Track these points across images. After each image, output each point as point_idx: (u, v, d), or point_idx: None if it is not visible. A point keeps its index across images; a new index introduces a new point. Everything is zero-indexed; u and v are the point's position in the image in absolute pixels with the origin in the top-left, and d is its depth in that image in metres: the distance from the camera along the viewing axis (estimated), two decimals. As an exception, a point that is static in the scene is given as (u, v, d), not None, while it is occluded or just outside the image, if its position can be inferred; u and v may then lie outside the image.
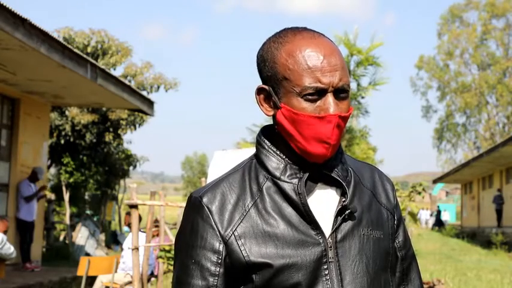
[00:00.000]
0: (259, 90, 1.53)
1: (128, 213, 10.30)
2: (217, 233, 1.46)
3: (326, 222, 1.47)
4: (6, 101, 11.88)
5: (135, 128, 19.75)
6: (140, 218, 8.34)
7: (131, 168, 21.17)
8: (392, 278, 1.59)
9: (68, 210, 18.02)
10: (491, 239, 23.71)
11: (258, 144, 1.56)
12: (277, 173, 1.49)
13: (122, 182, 22.41)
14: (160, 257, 7.73)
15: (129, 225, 9.96)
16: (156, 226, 9.15)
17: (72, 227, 16.59)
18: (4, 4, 7.71)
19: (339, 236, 1.47)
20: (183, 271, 1.49)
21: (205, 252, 1.46)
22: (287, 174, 1.49)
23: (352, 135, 10.53)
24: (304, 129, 1.45)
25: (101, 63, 17.59)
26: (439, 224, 39.77)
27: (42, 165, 12.90)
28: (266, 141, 1.54)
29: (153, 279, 9.25)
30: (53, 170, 20.29)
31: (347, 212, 1.48)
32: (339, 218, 1.48)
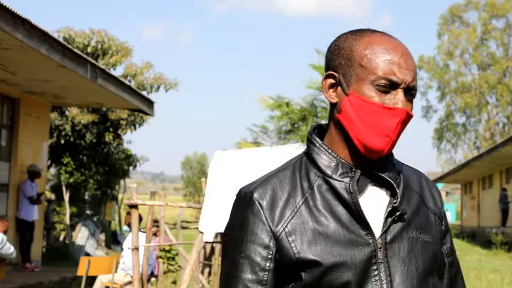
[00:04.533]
0: (327, 76, 1.53)
1: (129, 213, 10.30)
2: (268, 228, 1.46)
3: (376, 223, 1.47)
4: (6, 101, 11.88)
5: (135, 128, 19.76)
6: (141, 218, 8.35)
7: (131, 168, 21.18)
8: (440, 283, 1.59)
9: (68, 210, 18.02)
10: (491, 239, 23.71)
11: (309, 141, 1.56)
12: (329, 171, 1.49)
13: (122, 182, 22.42)
14: (160, 257, 7.73)
15: (129, 224, 9.96)
16: (156, 226, 9.16)
17: (72, 227, 16.58)
18: (4, 4, 7.71)
19: (389, 238, 1.47)
20: (233, 265, 1.48)
21: (255, 247, 1.46)
22: (339, 172, 1.48)
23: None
24: (368, 118, 1.45)
25: (101, 63, 17.59)
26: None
27: (42, 165, 12.90)
28: (317, 138, 1.54)
29: (153, 279, 9.25)
30: (53, 170, 20.29)
31: (397, 213, 1.48)
32: (389, 220, 1.47)
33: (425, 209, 1.58)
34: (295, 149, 6.28)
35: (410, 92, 1.47)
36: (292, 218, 1.46)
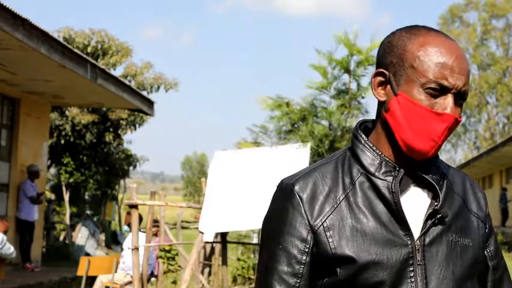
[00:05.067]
0: (377, 74, 1.51)
1: (129, 213, 10.30)
2: (307, 221, 1.46)
3: (415, 224, 1.46)
4: (6, 101, 11.88)
5: (135, 128, 19.76)
6: (141, 218, 8.35)
7: (131, 168, 21.17)
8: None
9: (68, 210, 18.01)
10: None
11: (355, 137, 1.54)
12: (372, 169, 1.48)
13: (122, 182, 22.42)
14: (160, 257, 7.74)
15: (129, 224, 9.96)
16: (156, 226, 9.16)
17: (72, 227, 16.58)
18: (4, 4, 7.71)
19: (427, 240, 1.46)
20: (270, 257, 1.48)
21: (293, 239, 1.46)
22: (382, 171, 1.47)
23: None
24: (415, 121, 1.43)
25: (101, 63, 17.59)
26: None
27: (42, 165, 12.90)
28: (363, 135, 1.53)
29: (153, 279, 9.25)
30: (53, 170, 20.29)
31: (438, 216, 1.47)
32: (429, 222, 1.46)
33: (467, 213, 1.56)
34: (295, 149, 6.29)
35: (461, 97, 1.45)
36: (331, 213, 1.46)
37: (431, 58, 1.44)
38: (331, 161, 1.54)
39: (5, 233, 8.27)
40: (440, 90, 1.43)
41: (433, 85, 1.42)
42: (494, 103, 47.19)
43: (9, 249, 8.06)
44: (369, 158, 1.49)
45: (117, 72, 19.95)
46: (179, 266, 8.82)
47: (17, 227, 11.65)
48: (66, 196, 18.34)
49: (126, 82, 13.12)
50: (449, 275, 1.46)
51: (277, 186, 1.54)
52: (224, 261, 7.42)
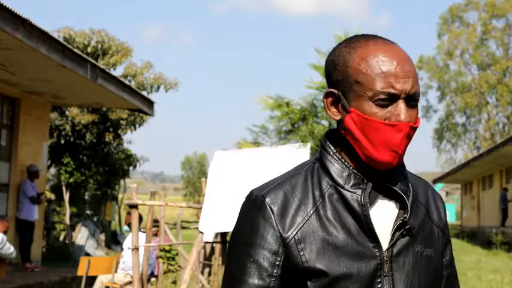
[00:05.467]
0: (328, 94, 1.51)
1: (129, 213, 10.30)
2: (278, 234, 1.45)
3: (383, 236, 1.47)
4: (6, 101, 11.89)
5: (135, 128, 19.76)
6: (141, 218, 8.35)
7: (131, 168, 21.17)
8: None
9: (68, 210, 18.01)
10: (491, 239, 23.71)
11: (323, 148, 1.54)
12: (341, 181, 1.48)
13: (122, 182, 22.41)
14: (160, 257, 7.73)
15: (129, 224, 9.96)
16: (156, 226, 9.16)
17: (72, 227, 16.58)
18: (4, 4, 7.72)
19: (395, 251, 1.47)
20: (240, 269, 1.47)
21: (264, 252, 1.45)
22: (351, 183, 1.47)
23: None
24: (373, 135, 1.43)
25: (101, 63, 17.60)
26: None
27: (42, 165, 12.90)
28: (331, 146, 1.52)
29: (153, 279, 9.25)
30: (53, 170, 20.29)
31: (406, 227, 1.47)
32: (397, 233, 1.47)
33: (430, 223, 1.57)
34: (295, 149, 6.29)
35: (413, 99, 1.45)
36: (302, 226, 1.45)
37: (374, 69, 1.43)
38: (301, 172, 1.53)
39: (5, 233, 8.28)
40: (390, 99, 1.42)
41: (381, 96, 1.42)
42: (494, 103, 47.17)
43: (9, 249, 8.06)
44: (337, 170, 1.49)
45: (117, 72, 19.96)
46: (179, 266, 8.82)
47: (17, 227, 11.65)
48: (66, 196, 18.34)
49: (126, 82, 13.11)
50: (415, 284, 1.48)
51: (247, 197, 1.52)
52: (224, 261, 7.42)
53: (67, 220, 17.65)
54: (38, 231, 12.67)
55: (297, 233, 1.45)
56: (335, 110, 1.51)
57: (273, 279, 1.44)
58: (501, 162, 26.56)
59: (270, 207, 1.46)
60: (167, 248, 7.68)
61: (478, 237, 29.21)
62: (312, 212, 1.47)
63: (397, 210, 1.49)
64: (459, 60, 47.94)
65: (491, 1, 45.79)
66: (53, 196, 18.62)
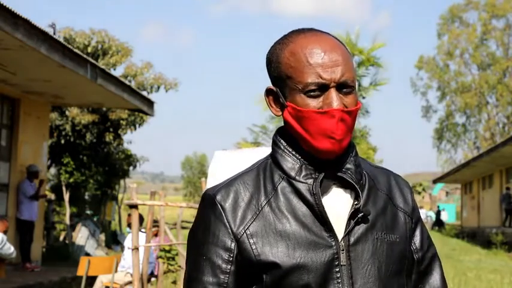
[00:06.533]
0: (268, 92, 1.55)
1: (130, 215, 10.31)
2: (230, 230, 1.46)
3: (339, 225, 1.46)
4: (6, 101, 11.89)
5: (135, 128, 19.75)
6: (142, 218, 8.35)
7: (131, 168, 21.16)
8: (408, 282, 1.58)
9: (68, 210, 18.01)
10: (491, 239, 23.71)
11: (274, 144, 1.55)
12: (293, 173, 1.49)
13: (122, 182, 22.40)
14: (160, 257, 7.74)
15: (129, 225, 9.97)
16: (156, 226, 9.16)
17: (72, 227, 16.58)
18: (4, 4, 7.72)
19: (352, 240, 1.47)
20: (194, 268, 1.49)
21: (216, 249, 1.46)
22: (302, 174, 1.48)
23: (353, 135, 10.56)
24: (309, 126, 1.45)
25: (101, 63, 17.59)
26: (438, 224, 39.76)
27: (42, 165, 12.90)
28: (282, 141, 1.54)
29: (153, 279, 9.25)
30: (53, 170, 20.28)
31: (360, 215, 1.47)
32: (352, 221, 1.47)
33: (393, 209, 1.57)
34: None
35: (345, 86, 1.46)
36: (254, 220, 1.46)
37: (301, 62, 1.45)
38: (253, 169, 1.55)
39: (5, 233, 8.27)
40: (320, 89, 1.44)
41: (311, 87, 1.44)
42: (494, 103, 47.19)
43: (9, 249, 8.06)
44: (289, 163, 1.50)
45: (117, 72, 19.95)
46: (179, 266, 8.82)
47: (17, 227, 11.65)
48: (66, 196, 18.34)
49: (126, 82, 13.12)
50: (375, 273, 1.46)
51: (201, 198, 1.55)
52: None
53: (67, 220, 17.65)
54: (38, 231, 12.67)
55: (248, 227, 1.46)
56: (276, 107, 1.54)
57: (227, 276, 1.45)
58: (501, 162, 26.57)
59: (221, 205, 1.48)
60: (167, 248, 7.68)
61: (478, 237, 29.21)
62: (263, 205, 1.48)
63: (352, 200, 1.49)
64: (459, 60, 47.96)
65: (491, 1, 45.80)
66: (53, 196, 18.63)
